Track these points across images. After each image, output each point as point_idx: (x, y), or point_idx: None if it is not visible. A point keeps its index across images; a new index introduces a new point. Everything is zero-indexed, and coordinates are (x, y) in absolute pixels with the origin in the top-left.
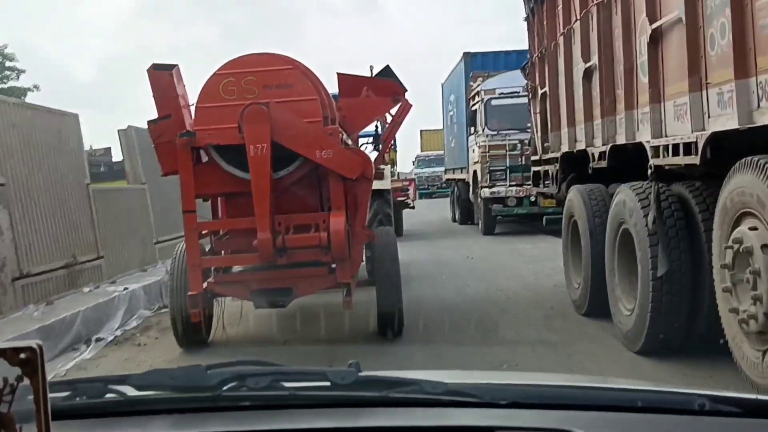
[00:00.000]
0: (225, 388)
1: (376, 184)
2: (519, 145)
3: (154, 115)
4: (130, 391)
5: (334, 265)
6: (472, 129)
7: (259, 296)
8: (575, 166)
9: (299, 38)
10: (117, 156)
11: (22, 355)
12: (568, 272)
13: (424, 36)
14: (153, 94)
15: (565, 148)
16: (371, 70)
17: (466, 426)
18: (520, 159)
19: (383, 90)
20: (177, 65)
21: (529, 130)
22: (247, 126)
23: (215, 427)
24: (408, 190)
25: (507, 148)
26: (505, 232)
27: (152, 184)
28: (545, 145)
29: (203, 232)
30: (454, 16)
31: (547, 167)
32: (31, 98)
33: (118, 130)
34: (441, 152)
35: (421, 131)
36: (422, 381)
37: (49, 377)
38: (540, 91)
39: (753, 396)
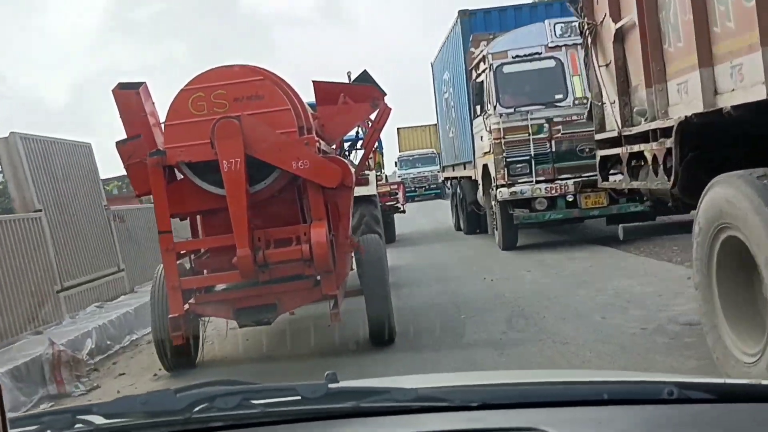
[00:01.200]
0: (195, 410)
1: (361, 191)
2: (546, 125)
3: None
4: (99, 420)
5: (319, 278)
6: (478, 109)
7: (242, 315)
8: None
9: (270, 49)
10: None
11: None
12: (720, 329)
13: (392, 39)
14: (120, 114)
15: (691, 109)
16: (349, 77)
17: (438, 431)
18: (548, 144)
19: (361, 95)
20: (144, 83)
21: (560, 104)
22: (219, 141)
23: None
24: (397, 194)
25: (530, 131)
26: (528, 244)
27: (54, 212)
28: (634, 111)
29: (182, 252)
30: (419, 20)
31: (635, 147)
32: None
33: None
34: (426, 150)
35: (398, 129)
36: (393, 389)
37: None
38: (613, 27)
39: (721, 380)
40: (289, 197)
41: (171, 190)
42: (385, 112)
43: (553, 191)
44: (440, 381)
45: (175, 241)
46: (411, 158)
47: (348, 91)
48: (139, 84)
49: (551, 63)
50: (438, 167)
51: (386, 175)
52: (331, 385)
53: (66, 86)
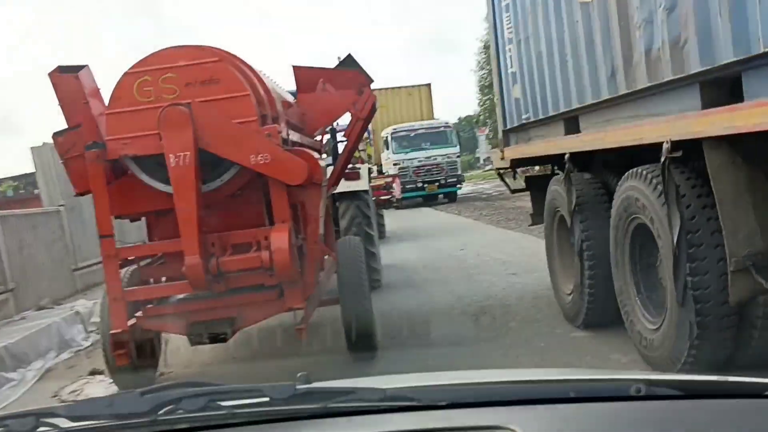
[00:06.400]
0: (161, 412)
1: (351, 186)
2: None
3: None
4: (64, 423)
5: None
6: None
7: (196, 330)
8: None
9: (241, 35)
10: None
11: None
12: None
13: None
14: (59, 102)
15: None
16: (339, 61)
17: (407, 430)
18: None
19: (345, 81)
20: (86, 66)
21: None
22: (166, 132)
23: None
24: (392, 188)
25: None
26: None
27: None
28: None
29: (130, 258)
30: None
31: None
32: None
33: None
34: (435, 122)
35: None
36: (360, 389)
37: None
38: None
39: (688, 377)
40: (252, 197)
41: (115, 188)
42: (369, 100)
43: None
44: (409, 381)
45: (118, 247)
46: (412, 133)
47: (329, 76)
48: (80, 67)
49: None
50: (457, 149)
51: (378, 168)
52: (299, 386)
53: None
